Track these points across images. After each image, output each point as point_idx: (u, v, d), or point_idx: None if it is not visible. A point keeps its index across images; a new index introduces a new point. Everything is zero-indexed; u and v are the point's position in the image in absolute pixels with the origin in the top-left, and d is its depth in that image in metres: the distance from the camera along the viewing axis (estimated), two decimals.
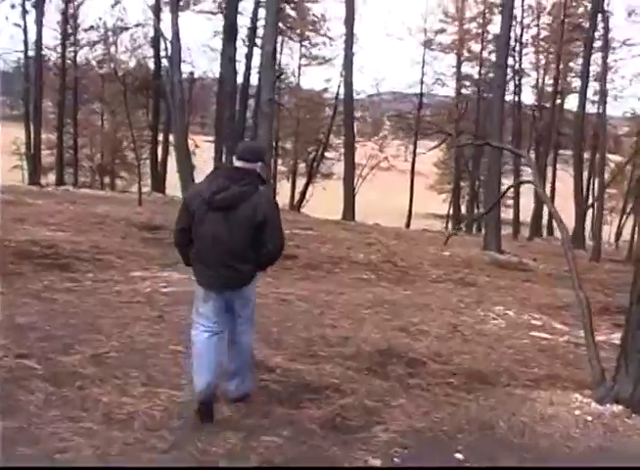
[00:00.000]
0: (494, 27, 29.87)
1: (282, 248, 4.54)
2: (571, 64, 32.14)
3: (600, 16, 19.57)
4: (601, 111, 20.67)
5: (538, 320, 8.56)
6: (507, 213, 46.01)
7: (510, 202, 46.27)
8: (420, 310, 8.29)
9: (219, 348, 4.56)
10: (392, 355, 6.21)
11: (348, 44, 23.53)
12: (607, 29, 18.88)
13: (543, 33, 31.56)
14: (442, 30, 33.73)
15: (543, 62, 32.77)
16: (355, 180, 28.38)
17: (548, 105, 32.19)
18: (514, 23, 26.63)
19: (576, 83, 33.18)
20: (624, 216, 33.50)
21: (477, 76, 33.37)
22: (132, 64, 31.79)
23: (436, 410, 4.82)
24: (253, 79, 31.28)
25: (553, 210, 7.06)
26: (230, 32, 20.90)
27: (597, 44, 31.86)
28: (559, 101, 32.11)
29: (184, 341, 5.39)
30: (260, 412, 4.57)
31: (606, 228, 33.17)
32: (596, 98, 25.93)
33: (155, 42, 29.62)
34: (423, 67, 33.92)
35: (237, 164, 4.50)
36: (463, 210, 39.57)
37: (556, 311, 9.30)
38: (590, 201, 29.14)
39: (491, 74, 30.00)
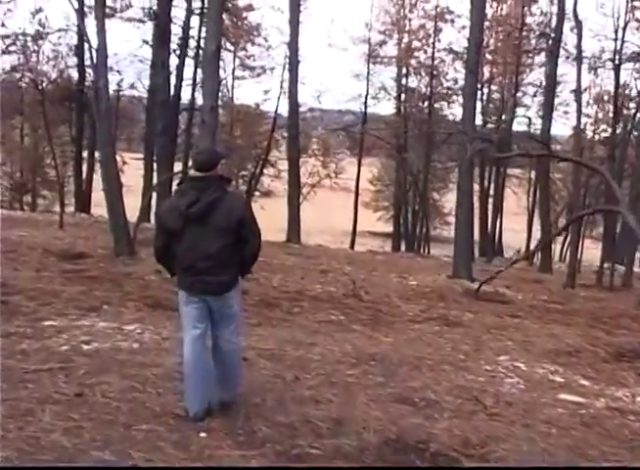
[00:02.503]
0: (445, 36, 28.83)
1: (260, 244, 4.77)
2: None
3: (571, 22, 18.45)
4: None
5: (557, 375, 6.96)
6: (450, 232, 45.41)
7: (452, 219, 45.55)
8: (416, 368, 6.57)
9: (206, 358, 4.72)
10: (408, 448, 4.50)
11: (293, 49, 21.37)
12: (580, 37, 17.63)
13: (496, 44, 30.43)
14: (384, 42, 32.31)
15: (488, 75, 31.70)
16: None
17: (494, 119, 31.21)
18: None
19: (527, 99, 32.47)
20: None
21: (424, 89, 32.02)
22: (54, 74, 29.37)
23: None
24: (185, 93, 29.38)
25: None
26: (163, 37, 18.97)
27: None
28: (505, 117, 31.03)
29: (114, 441, 3.92)
30: None
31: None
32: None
33: (78, 50, 27.31)
34: (367, 79, 32.41)
35: (197, 174, 4.61)
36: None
37: (567, 359, 7.74)
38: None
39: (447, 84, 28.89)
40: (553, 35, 20.76)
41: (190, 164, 5.08)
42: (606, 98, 29.85)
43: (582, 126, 30.38)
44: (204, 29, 26.82)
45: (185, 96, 29.31)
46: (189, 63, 29.17)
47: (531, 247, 34.60)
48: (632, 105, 29.56)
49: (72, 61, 28.66)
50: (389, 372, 6.34)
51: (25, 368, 5.41)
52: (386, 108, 55.73)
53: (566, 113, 30.05)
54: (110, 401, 4.78)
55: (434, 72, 30.54)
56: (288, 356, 6.55)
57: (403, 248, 35.38)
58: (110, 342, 6.50)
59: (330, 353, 6.82)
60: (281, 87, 29.24)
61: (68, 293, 8.59)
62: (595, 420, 5.47)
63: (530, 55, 29.97)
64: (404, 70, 32.54)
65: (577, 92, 17.58)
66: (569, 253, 17.24)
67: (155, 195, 21.72)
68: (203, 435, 4.41)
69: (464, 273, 13.50)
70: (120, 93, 32.70)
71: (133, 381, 5.31)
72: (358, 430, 4.73)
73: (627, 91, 29.17)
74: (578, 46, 17.55)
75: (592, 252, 30.98)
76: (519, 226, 39.32)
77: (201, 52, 28.18)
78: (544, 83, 31.33)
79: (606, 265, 18.76)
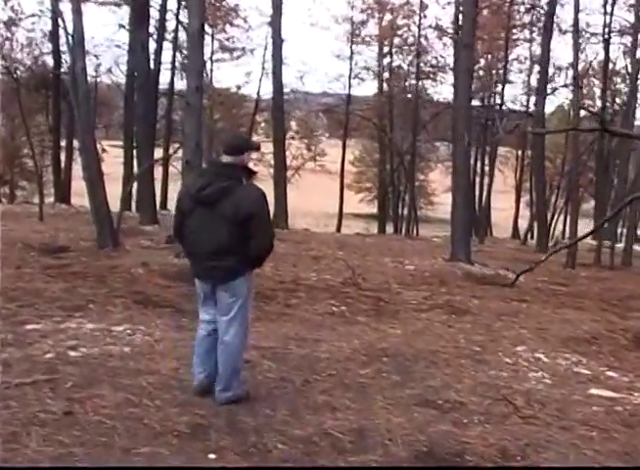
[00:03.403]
0: (430, 13, 28.09)
1: (271, 243, 4.54)
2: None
3: None
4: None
5: (581, 366, 6.51)
6: (434, 212, 45.01)
7: (437, 199, 45.07)
8: (432, 364, 6.08)
9: (209, 342, 4.72)
10: (444, 463, 3.99)
11: (276, 28, 20.41)
12: (577, 10, 16.98)
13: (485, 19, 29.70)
14: (366, 20, 31.51)
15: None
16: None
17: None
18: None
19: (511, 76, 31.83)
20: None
21: (408, 68, 31.30)
22: (29, 62, 28.42)
23: None
24: (164, 78, 28.58)
25: None
26: (141, 19, 18.18)
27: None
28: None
29: None
30: None
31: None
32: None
33: (53, 36, 26.39)
34: (351, 58, 31.69)
35: (222, 158, 4.59)
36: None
37: (587, 348, 7.31)
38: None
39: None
40: (546, 9, 20.20)
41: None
42: (591, 73, 29.32)
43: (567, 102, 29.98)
44: (182, 12, 26.09)
45: (164, 81, 28.57)
46: (167, 46, 28.41)
47: (518, 225, 34.42)
48: (618, 80, 29.14)
49: (47, 47, 27.78)
50: (405, 369, 5.85)
51: (7, 382, 4.84)
52: (369, 89, 54.99)
53: (555, 89, 29.48)
54: (103, 420, 4.23)
55: (420, 50, 29.85)
56: (293, 356, 6.03)
57: (390, 229, 34.93)
58: (98, 346, 5.95)
59: (338, 350, 6.31)
60: (263, 68, 28.57)
61: (50, 291, 8.00)
62: (636, 419, 5.00)
63: (519, 29, 29.30)
64: (387, 49, 31.81)
65: (575, 67, 17.02)
66: (567, 231, 16.65)
67: (136, 183, 21.13)
68: (212, 456, 3.89)
69: (462, 256, 13.01)
70: (98, 80, 31.91)
71: (128, 392, 4.76)
72: (384, 442, 4.23)
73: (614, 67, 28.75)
74: (575, 19, 16.93)
75: (578, 228, 30.61)
76: (504, 204, 39.00)
77: (180, 34, 27.45)
78: (528, 59, 30.97)
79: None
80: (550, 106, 38.34)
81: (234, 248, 4.42)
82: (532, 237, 26.25)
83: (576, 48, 16.84)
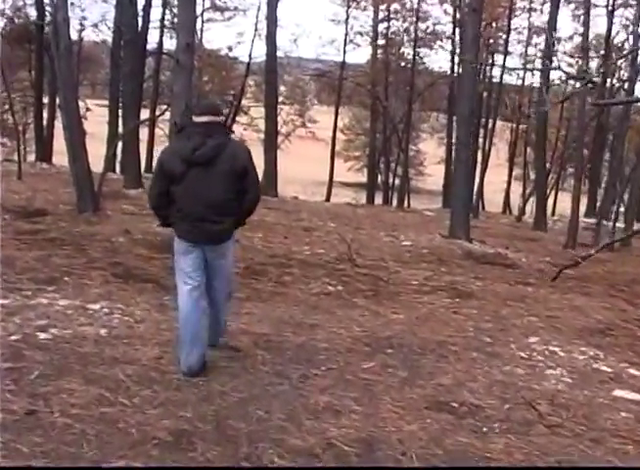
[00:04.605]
0: None
1: (259, 195, 4.75)
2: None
3: None
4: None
5: (600, 362, 5.96)
6: (424, 183, 44.35)
7: (428, 170, 44.34)
8: (441, 358, 5.51)
9: (202, 310, 4.63)
10: None
11: None
12: None
13: None
14: None
15: None
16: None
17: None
18: None
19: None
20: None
21: (405, 35, 30.37)
22: (10, 12, 27.25)
23: None
24: (153, 37, 27.58)
25: None
26: None
27: None
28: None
29: None
30: None
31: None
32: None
33: None
34: (347, 22, 30.67)
35: (203, 118, 4.48)
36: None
37: (602, 340, 6.75)
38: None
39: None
40: None
41: (194, 109, 4.46)
42: (593, 46, 28.58)
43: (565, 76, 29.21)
44: None
45: (152, 40, 27.55)
46: (156, 3, 27.32)
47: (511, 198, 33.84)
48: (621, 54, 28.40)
49: None
50: (412, 364, 5.28)
51: None
52: (362, 56, 53.77)
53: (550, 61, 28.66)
54: (71, 423, 3.63)
55: (419, 16, 28.88)
56: (288, 344, 5.44)
57: (379, 199, 34.28)
58: (71, 327, 5.33)
59: (337, 338, 5.73)
60: (255, 30, 27.53)
61: (22, 261, 7.33)
62: None
63: None
64: (385, 15, 30.79)
65: (585, 36, 16.30)
66: (570, 209, 16.12)
67: (121, 144, 20.34)
68: None
69: (461, 234, 12.41)
70: (83, 34, 30.80)
71: (101, 387, 4.17)
72: (396, 456, 3.67)
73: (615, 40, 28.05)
74: None
75: (563, 205, 30.07)
76: (493, 178, 38.36)
77: None
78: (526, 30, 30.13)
79: (606, 223, 17.84)
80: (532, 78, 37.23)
81: (230, 206, 4.50)
82: (524, 213, 25.78)
83: (587, 18, 16.09)
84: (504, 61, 28.05)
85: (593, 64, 31.64)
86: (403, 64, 31.43)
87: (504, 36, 29.26)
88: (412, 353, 5.54)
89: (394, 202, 32.90)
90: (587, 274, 10.78)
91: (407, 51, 31.09)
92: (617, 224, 19.73)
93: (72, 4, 18.33)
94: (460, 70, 29.59)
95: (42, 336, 5.07)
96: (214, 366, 4.73)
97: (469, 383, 4.97)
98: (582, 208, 27.76)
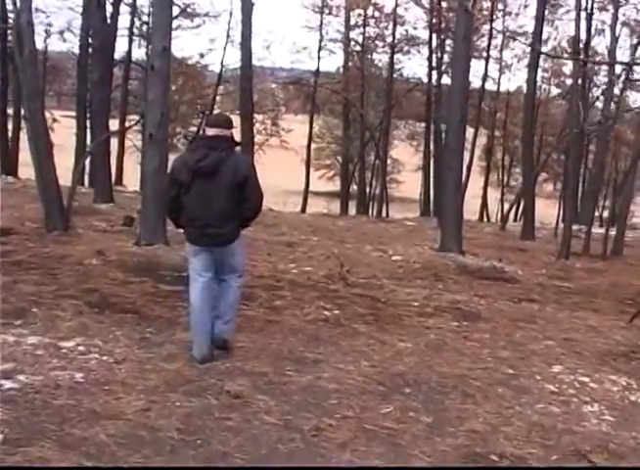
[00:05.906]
0: None
1: (261, 202, 5.07)
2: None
3: None
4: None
5: (635, 392, 5.39)
6: (397, 191, 43.80)
7: (401, 178, 43.86)
8: (466, 396, 4.88)
9: (211, 303, 5.07)
10: None
11: None
12: None
13: None
14: None
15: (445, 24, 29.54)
16: None
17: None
18: None
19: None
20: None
21: (376, 42, 29.85)
22: None
23: None
24: (121, 46, 26.74)
25: None
26: None
27: None
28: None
29: None
30: None
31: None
32: None
33: None
34: (320, 29, 30.04)
35: (211, 132, 4.89)
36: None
37: (628, 365, 6.18)
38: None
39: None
40: None
41: (207, 121, 5.36)
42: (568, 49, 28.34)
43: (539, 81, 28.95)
44: None
45: (120, 48, 26.66)
46: (124, 10, 26.45)
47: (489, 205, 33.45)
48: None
49: None
50: (435, 406, 4.65)
51: None
52: (335, 64, 53.08)
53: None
54: None
55: (396, 20, 28.31)
56: (293, 386, 4.77)
57: (353, 209, 33.69)
58: (42, 371, 4.62)
59: (346, 377, 5.05)
60: (227, 36, 26.80)
61: None
62: None
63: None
64: (360, 21, 30.22)
65: (576, 40, 15.89)
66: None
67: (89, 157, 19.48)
68: None
69: (453, 246, 11.81)
70: (48, 42, 29.83)
71: (81, 453, 3.47)
72: None
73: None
74: None
75: (542, 210, 29.73)
76: (470, 185, 37.97)
77: None
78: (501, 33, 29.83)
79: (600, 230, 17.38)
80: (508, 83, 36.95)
81: (233, 213, 4.89)
82: (507, 220, 25.38)
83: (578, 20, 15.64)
84: (486, 66, 27.75)
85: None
86: (378, 72, 30.89)
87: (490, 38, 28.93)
88: (432, 392, 4.91)
89: (370, 211, 32.33)
90: (589, 287, 10.27)
91: (382, 58, 30.60)
92: (601, 230, 19.35)
93: (37, 9, 17.46)
94: (437, 77, 29.36)
95: (8, 385, 4.34)
96: (211, 418, 4.06)
97: (503, 427, 4.35)
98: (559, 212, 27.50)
